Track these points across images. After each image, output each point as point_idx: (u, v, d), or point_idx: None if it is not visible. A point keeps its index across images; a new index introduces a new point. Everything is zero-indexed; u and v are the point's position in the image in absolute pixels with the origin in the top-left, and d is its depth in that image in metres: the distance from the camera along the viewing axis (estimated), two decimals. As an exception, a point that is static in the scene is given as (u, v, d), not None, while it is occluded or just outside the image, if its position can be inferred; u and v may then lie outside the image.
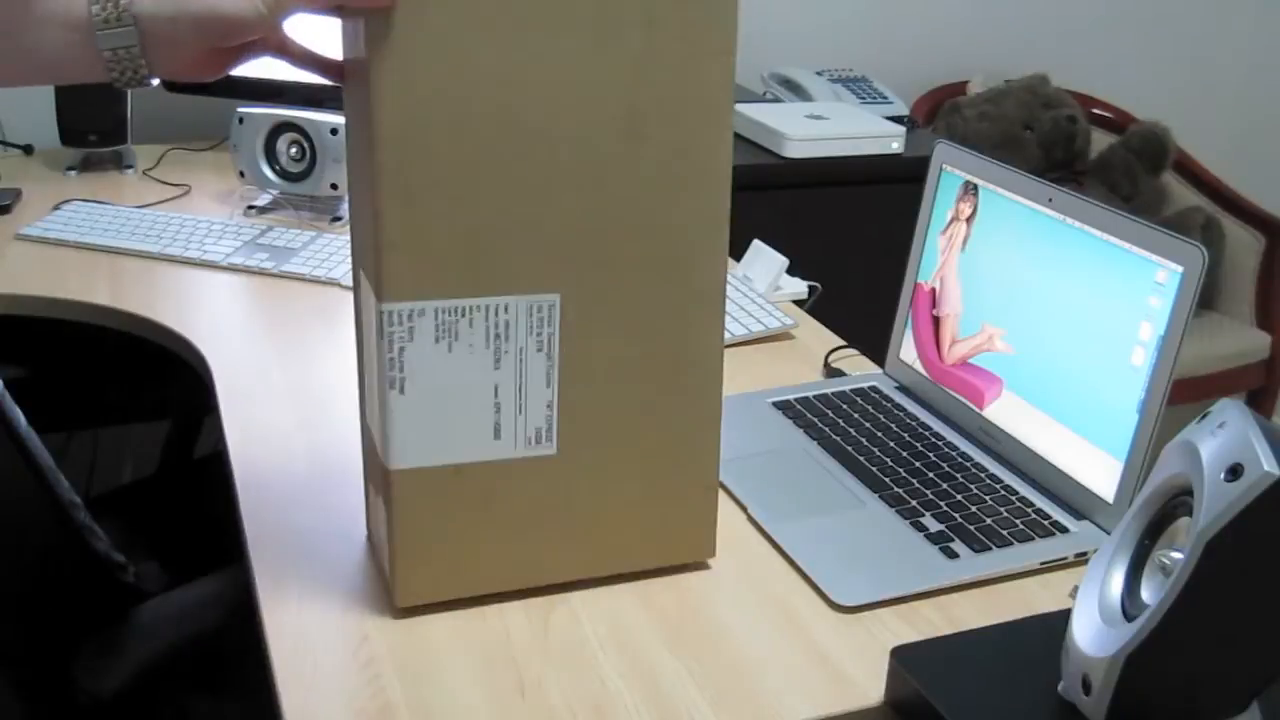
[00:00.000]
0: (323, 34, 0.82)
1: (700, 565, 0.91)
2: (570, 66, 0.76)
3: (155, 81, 0.75)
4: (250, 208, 1.67)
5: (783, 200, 1.92)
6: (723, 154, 0.81)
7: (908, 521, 0.97)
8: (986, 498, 1.01)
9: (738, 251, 1.48)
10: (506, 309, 0.80)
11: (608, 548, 0.88)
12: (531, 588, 0.87)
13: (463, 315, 0.79)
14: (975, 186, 1.11)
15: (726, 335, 1.30)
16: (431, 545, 0.83)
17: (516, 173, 0.77)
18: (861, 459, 1.06)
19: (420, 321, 0.78)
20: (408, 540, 0.83)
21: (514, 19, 0.74)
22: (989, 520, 0.97)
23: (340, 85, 0.82)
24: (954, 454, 1.07)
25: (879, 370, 1.25)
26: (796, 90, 2.26)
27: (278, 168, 1.63)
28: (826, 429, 1.11)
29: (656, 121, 0.79)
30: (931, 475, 1.04)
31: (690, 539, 0.90)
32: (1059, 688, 0.74)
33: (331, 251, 1.49)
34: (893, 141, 1.97)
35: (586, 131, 0.78)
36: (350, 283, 1.41)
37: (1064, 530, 0.97)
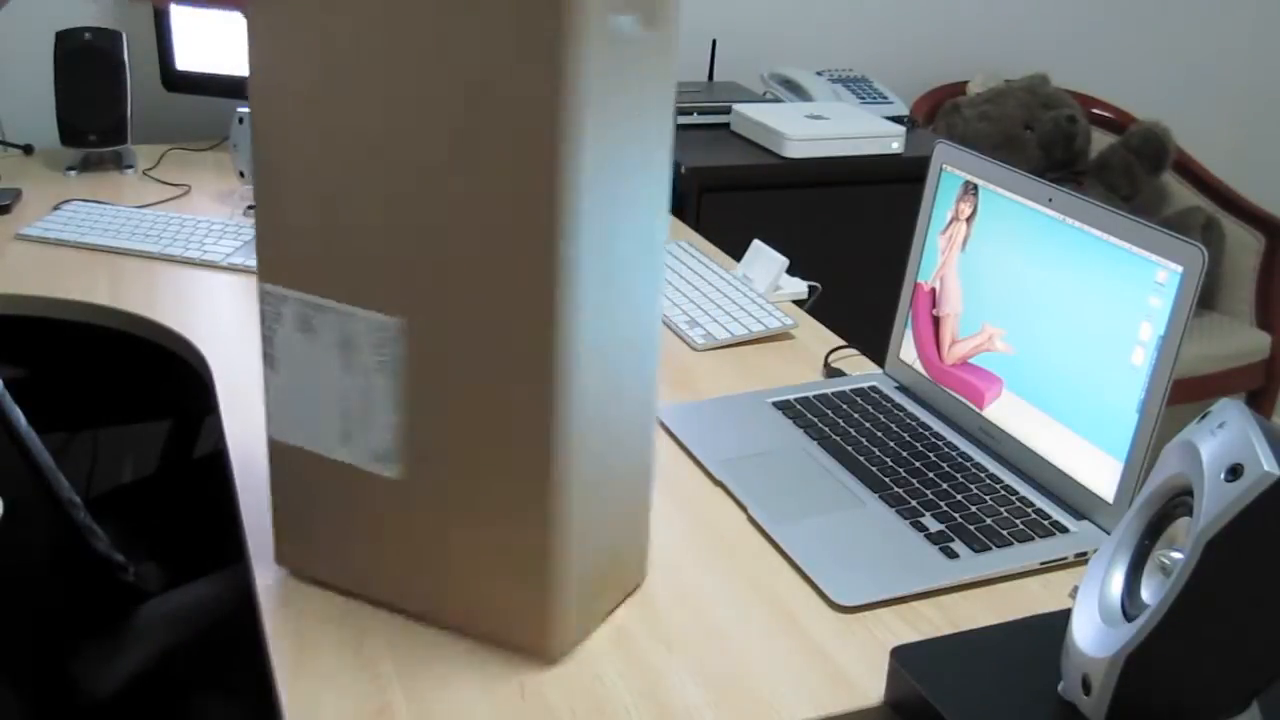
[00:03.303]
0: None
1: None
2: (408, 79, 0.71)
3: None
4: (250, 207, 1.67)
5: (783, 200, 1.92)
6: (558, 196, 0.69)
7: (908, 521, 0.97)
8: (986, 498, 1.01)
9: (738, 251, 1.48)
10: (353, 320, 0.78)
11: (448, 593, 0.81)
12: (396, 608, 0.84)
13: (317, 311, 0.79)
14: (975, 186, 1.11)
15: (727, 335, 1.31)
16: (301, 521, 0.85)
17: (362, 179, 0.75)
18: (861, 459, 1.06)
19: (284, 307, 0.80)
20: (280, 506, 0.86)
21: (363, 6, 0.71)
22: (989, 520, 0.97)
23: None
24: (954, 454, 1.07)
25: (879, 370, 1.25)
26: (796, 90, 2.26)
27: (278, 168, 1.62)
28: (826, 429, 1.11)
29: (480, 149, 0.71)
30: (931, 475, 1.04)
31: (533, 621, 0.79)
32: (1059, 688, 0.74)
33: (331, 251, 1.49)
34: (893, 141, 1.97)
35: (419, 153, 0.73)
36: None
37: (1064, 530, 0.97)
